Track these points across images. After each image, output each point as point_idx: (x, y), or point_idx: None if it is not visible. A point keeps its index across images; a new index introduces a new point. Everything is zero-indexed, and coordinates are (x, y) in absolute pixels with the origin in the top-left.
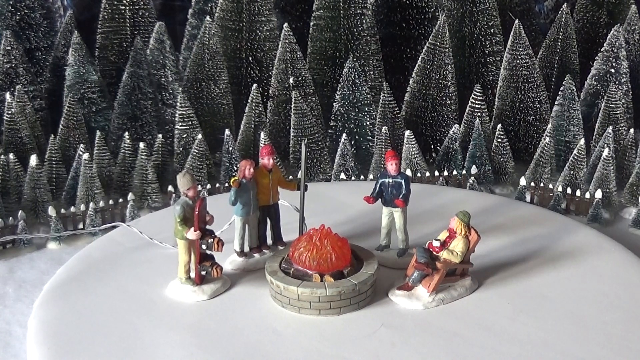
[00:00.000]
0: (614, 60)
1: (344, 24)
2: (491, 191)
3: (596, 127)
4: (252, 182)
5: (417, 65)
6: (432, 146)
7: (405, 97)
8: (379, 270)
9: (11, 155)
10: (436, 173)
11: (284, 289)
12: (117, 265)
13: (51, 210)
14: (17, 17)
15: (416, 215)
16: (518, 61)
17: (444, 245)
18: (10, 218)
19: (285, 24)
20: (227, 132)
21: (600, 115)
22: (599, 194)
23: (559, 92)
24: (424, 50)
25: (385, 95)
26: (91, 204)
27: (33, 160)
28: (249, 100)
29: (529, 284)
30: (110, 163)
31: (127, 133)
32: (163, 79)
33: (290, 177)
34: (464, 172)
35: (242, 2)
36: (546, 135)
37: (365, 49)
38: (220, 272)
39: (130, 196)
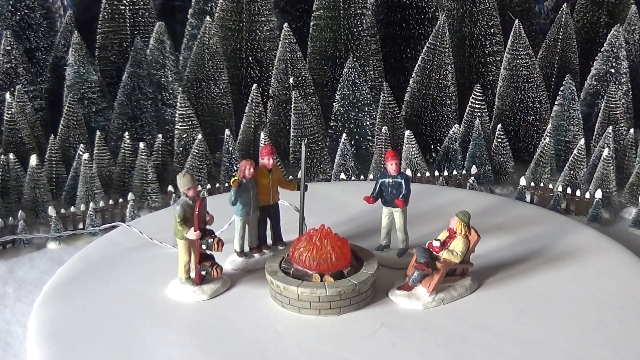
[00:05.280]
0: (614, 60)
1: (344, 24)
2: (491, 191)
3: (596, 127)
4: (252, 182)
5: (417, 65)
6: (432, 146)
7: (405, 97)
8: (379, 270)
9: (11, 155)
10: (436, 173)
11: (284, 289)
12: (117, 265)
13: (51, 210)
14: (17, 17)
15: (416, 215)
16: (518, 61)
17: (444, 245)
18: (10, 218)
19: (285, 24)
20: (227, 132)
21: (600, 115)
22: (599, 194)
23: (559, 92)
24: (424, 50)
25: (385, 95)
26: (91, 204)
27: (33, 160)
28: (249, 100)
29: (529, 284)
30: (110, 163)
31: (127, 133)
32: (163, 79)
33: (290, 177)
34: (464, 172)
35: (242, 2)
36: (546, 135)
37: (365, 49)
38: (220, 272)
39: (130, 196)
